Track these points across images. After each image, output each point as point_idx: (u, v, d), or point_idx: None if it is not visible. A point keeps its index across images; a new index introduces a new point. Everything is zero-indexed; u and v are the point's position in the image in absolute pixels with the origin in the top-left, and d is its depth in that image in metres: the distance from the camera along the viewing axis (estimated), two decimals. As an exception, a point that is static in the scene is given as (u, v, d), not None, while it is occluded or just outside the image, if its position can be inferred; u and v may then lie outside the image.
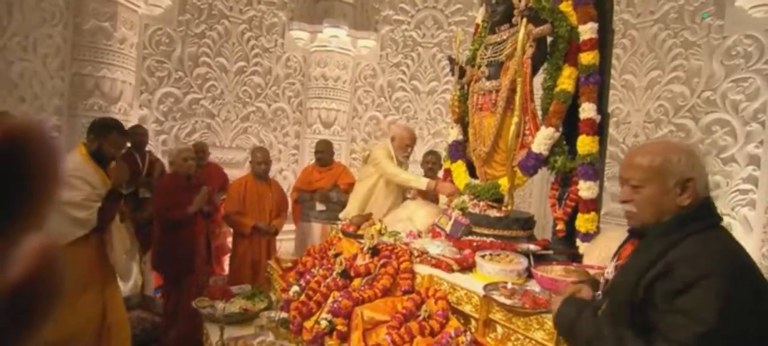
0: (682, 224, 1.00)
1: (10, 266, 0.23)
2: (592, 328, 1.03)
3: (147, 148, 3.98)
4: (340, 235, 2.53)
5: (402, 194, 3.23)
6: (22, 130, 0.23)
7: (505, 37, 2.26)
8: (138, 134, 3.84)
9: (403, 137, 3.18)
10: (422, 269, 1.93)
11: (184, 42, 4.68)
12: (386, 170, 2.97)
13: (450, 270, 1.86)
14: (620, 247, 1.18)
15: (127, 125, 4.12)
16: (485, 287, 1.63)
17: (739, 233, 3.13)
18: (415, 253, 2.03)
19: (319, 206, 3.84)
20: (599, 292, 1.18)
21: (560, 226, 2.16)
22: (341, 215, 3.12)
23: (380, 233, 2.32)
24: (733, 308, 0.87)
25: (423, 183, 2.82)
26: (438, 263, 1.91)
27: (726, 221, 3.17)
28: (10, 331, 0.24)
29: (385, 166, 2.97)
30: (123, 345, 2.45)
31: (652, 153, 1.06)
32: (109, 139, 2.28)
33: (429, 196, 3.33)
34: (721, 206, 3.21)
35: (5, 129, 0.22)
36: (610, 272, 1.13)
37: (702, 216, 1.01)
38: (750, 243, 3.05)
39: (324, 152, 3.98)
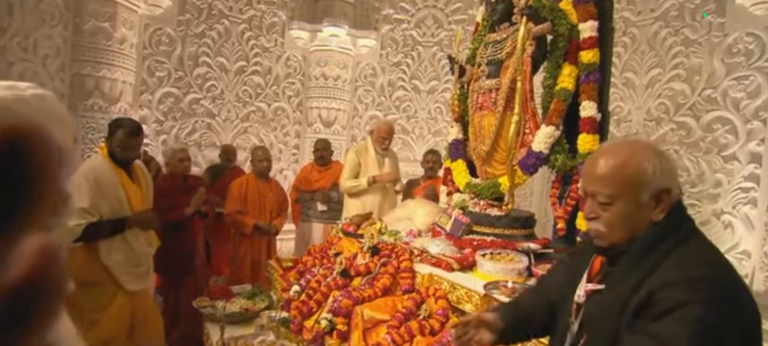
0: (659, 240, 0.86)
1: (9, 266, 0.22)
2: None
3: (142, 148, 3.99)
4: (340, 234, 2.53)
5: (392, 193, 3.41)
6: (22, 132, 0.22)
7: (505, 35, 2.25)
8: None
9: (380, 130, 3.40)
10: (422, 268, 1.92)
11: (184, 42, 4.68)
12: (341, 187, 3.41)
13: (450, 269, 1.86)
14: (586, 263, 1.01)
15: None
16: (486, 286, 1.63)
17: (740, 231, 3.12)
18: (416, 252, 2.03)
19: (321, 207, 3.84)
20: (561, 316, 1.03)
21: (561, 224, 2.15)
22: (344, 216, 3.17)
23: (380, 232, 2.32)
24: (708, 337, 0.77)
25: (363, 181, 3.26)
26: (438, 262, 1.91)
27: (727, 219, 3.17)
28: (11, 330, 0.23)
29: (341, 183, 3.41)
30: (155, 336, 2.44)
31: (622, 162, 0.88)
32: (115, 140, 2.25)
33: (429, 195, 3.35)
34: (722, 205, 3.20)
35: (4, 130, 0.22)
36: (581, 296, 0.96)
37: (677, 227, 0.88)
38: (751, 241, 3.05)
39: (325, 151, 3.98)
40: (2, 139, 0.23)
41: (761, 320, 0.85)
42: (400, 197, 3.57)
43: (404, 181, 3.74)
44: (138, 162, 2.47)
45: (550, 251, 1.98)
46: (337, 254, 2.24)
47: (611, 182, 0.89)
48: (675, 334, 0.77)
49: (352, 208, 3.28)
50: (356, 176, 3.37)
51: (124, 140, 2.26)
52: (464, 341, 1.06)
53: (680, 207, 0.90)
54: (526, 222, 2.20)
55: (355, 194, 3.35)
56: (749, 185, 3.10)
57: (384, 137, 3.38)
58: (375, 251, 2.08)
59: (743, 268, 3.08)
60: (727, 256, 0.93)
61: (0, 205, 0.23)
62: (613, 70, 3.45)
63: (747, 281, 2.99)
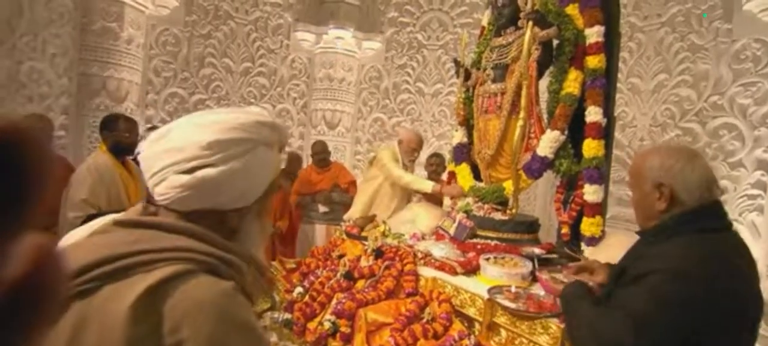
0: (662, 231, 1.04)
1: (8, 265, 0.23)
2: (574, 304, 1.14)
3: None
4: (344, 236, 2.54)
5: (407, 196, 3.24)
6: (13, 133, 0.23)
7: (511, 39, 2.25)
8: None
9: (411, 140, 3.20)
10: (426, 272, 1.92)
11: (190, 43, 4.71)
12: (392, 173, 2.99)
13: (454, 273, 1.85)
14: None
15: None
16: (489, 291, 1.63)
17: (746, 238, 3.08)
18: (419, 255, 2.03)
19: (322, 208, 3.84)
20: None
21: (565, 229, 2.15)
22: (346, 216, 3.12)
23: (384, 234, 2.31)
24: (664, 302, 0.93)
25: (428, 186, 2.85)
26: (442, 266, 1.91)
27: (733, 226, 3.14)
28: (12, 329, 0.24)
29: (391, 169, 2.99)
30: None
31: (639, 157, 1.13)
32: (119, 130, 2.34)
33: (433, 198, 3.33)
34: (728, 212, 3.17)
35: (2, 134, 0.23)
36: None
37: (680, 224, 1.01)
38: (758, 249, 3.02)
39: (324, 153, 3.98)
40: (2, 137, 0.23)
41: (736, 311, 0.96)
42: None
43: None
44: (129, 158, 2.53)
45: (555, 255, 1.97)
46: (340, 256, 2.24)
47: (630, 173, 1.14)
48: (632, 294, 0.97)
49: (359, 208, 3.15)
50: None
51: (129, 127, 2.36)
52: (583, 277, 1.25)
53: (698, 210, 1.02)
54: (530, 226, 2.19)
55: (408, 189, 3.03)
56: (756, 192, 3.07)
57: (414, 149, 3.22)
58: (379, 253, 2.07)
59: (749, 276, 3.05)
60: None
61: (2, 201, 0.24)
62: (619, 75, 3.44)
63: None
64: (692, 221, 1.01)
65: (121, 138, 2.33)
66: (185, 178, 0.65)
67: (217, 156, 0.66)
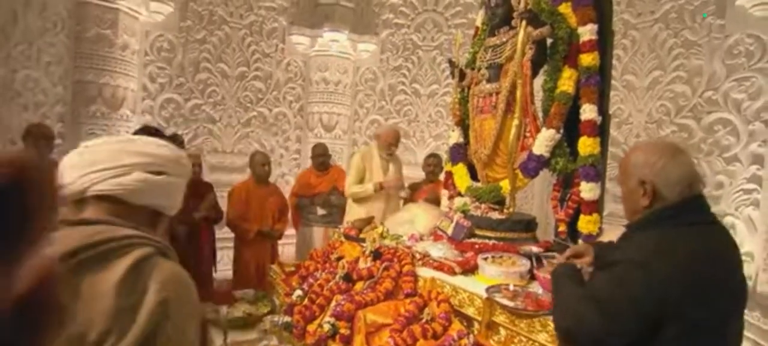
0: (643, 224, 1.11)
1: (16, 284, 0.26)
2: (557, 282, 1.24)
3: None
4: (342, 238, 2.54)
5: (396, 197, 3.40)
6: (17, 173, 0.25)
7: (504, 39, 2.26)
8: (176, 142, 3.97)
9: (387, 135, 3.39)
10: (424, 272, 1.92)
11: (185, 48, 4.70)
12: (347, 193, 3.40)
13: (452, 273, 1.86)
14: None
15: (129, 133, 4.17)
16: (488, 290, 1.63)
17: (743, 233, 3.11)
18: (418, 256, 2.03)
19: (321, 210, 3.84)
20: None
21: (562, 227, 2.16)
22: (346, 221, 3.16)
23: (382, 236, 2.32)
24: (621, 285, 1.02)
25: (370, 187, 3.27)
26: (440, 266, 1.91)
27: (730, 221, 3.16)
28: (22, 338, 0.26)
29: (347, 190, 3.41)
30: None
31: (625, 156, 1.21)
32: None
33: (431, 199, 3.35)
34: (724, 206, 3.19)
35: (5, 167, 0.25)
36: None
37: (662, 219, 1.08)
38: (754, 243, 3.03)
39: (324, 156, 3.98)
40: (9, 176, 0.27)
41: (705, 297, 1.01)
42: (402, 202, 3.56)
43: (407, 185, 3.74)
44: None
45: (552, 254, 1.97)
46: (339, 259, 2.24)
47: (618, 169, 1.22)
48: (599, 279, 1.10)
49: (354, 213, 3.27)
50: (362, 181, 3.36)
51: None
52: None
53: (678, 205, 1.08)
54: (527, 225, 2.20)
55: (361, 199, 3.33)
56: (751, 186, 3.09)
57: (390, 143, 3.37)
58: (377, 255, 2.08)
59: (746, 270, 3.06)
60: None
61: (6, 234, 0.28)
62: (613, 72, 3.45)
63: (750, 282, 2.98)
64: (672, 216, 1.07)
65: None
66: (152, 177, 0.87)
67: (178, 170, 0.93)
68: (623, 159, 1.20)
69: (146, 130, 2.75)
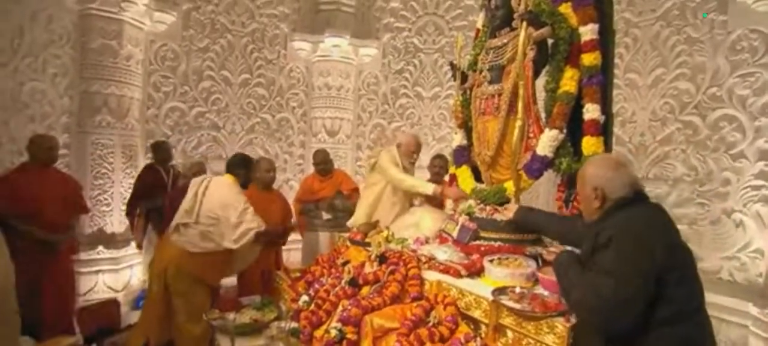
0: (605, 215, 1.41)
1: None
2: (565, 269, 1.45)
3: (171, 163, 4.11)
4: (348, 243, 2.54)
5: (408, 200, 3.24)
6: None
7: (505, 40, 2.26)
8: (162, 149, 4.03)
9: (409, 144, 3.21)
10: (430, 276, 1.92)
11: (188, 57, 4.74)
12: (393, 177, 2.99)
13: (458, 276, 1.86)
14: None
15: (134, 141, 4.21)
16: (494, 292, 1.63)
17: (752, 229, 3.08)
18: (423, 259, 2.03)
19: (326, 215, 3.85)
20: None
21: (568, 228, 2.14)
22: (349, 223, 3.13)
23: (388, 240, 2.32)
24: (624, 253, 1.27)
25: (429, 188, 2.83)
26: (446, 269, 1.91)
27: (738, 217, 3.14)
28: None
29: (392, 174, 2.99)
30: None
31: (582, 167, 1.53)
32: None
33: (435, 201, 3.33)
34: (732, 203, 3.17)
35: None
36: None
37: (615, 209, 1.39)
38: (763, 240, 3.00)
39: (325, 163, 3.99)
40: None
41: (678, 252, 1.32)
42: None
43: None
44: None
45: (554, 250, 1.96)
46: (345, 263, 2.25)
47: (577, 178, 1.55)
48: (603, 256, 1.30)
49: (362, 212, 3.15)
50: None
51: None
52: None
53: (620, 198, 1.39)
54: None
55: (410, 192, 3.03)
56: (759, 182, 3.07)
57: (413, 151, 3.22)
58: (383, 259, 2.08)
59: (756, 267, 3.03)
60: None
61: None
62: (616, 71, 3.44)
63: (760, 280, 2.94)
64: (628, 203, 1.38)
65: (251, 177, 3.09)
66: None
67: None
68: (579, 171, 1.53)
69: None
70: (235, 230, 2.66)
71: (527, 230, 2.05)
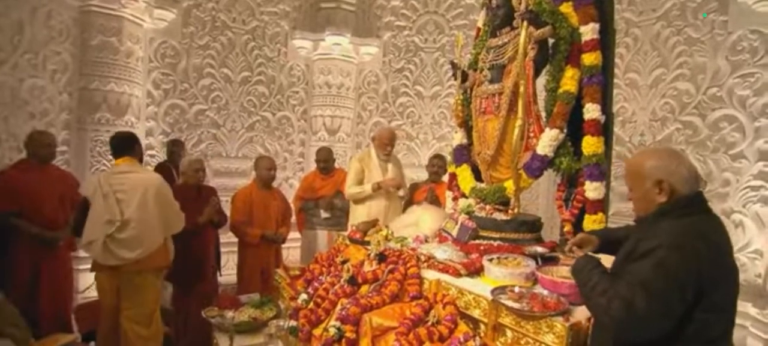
0: (658, 216, 1.27)
1: None
2: (587, 274, 1.33)
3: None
4: (347, 242, 2.54)
5: (397, 199, 3.43)
6: None
7: (506, 40, 2.26)
8: (177, 149, 4.12)
9: (382, 137, 3.45)
10: (430, 274, 1.92)
11: (188, 54, 4.74)
12: (347, 194, 3.44)
13: (458, 275, 1.85)
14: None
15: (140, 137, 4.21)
16: (493, 291, 1.63)
17: (751, 230, 3.08)
18: (422, 258, 2.03)
19: (325, 214, 3.85)
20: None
21: (568, 227, 2.15)
22: (351, 224, 3.17)
23: (387, 238, 2.32)
24: (666, 268, 1.14)
25: (368, 188, 3.31)
26: (445, 268, 1.91)
27: (737, 218, 3.14)
28: None
29: (346, 192, 3.44)
30: None
31: (634, 162, 1.38)
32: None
33: (429, 198, 3.36)
34: (731, 203, 3.17)
35: None
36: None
37: (676, 209, 1.25)
38: (763, 240, 3.01)
39: (328, 161, 3.99)
40: None
41: (721, 277, 1.19)
42: (402, 202, 3.57)
43: (408, 185, 3.75)
44: None
45: (558, 254, 1.97)
46: (344, 262, 2.25)
47: (628, 176, 1.38)
48: (641, 266, 1.18)
49: (358, 215, 3.29)
50: (360, 183, 3.39)
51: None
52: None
53: (689, 197, 1.26)
54: (532, 226, 2.19)
55: (361, 200, 3.36)
56: (758, 183, 3.07)
57: (386, 143, 3.41)
58: (382, 257, 2.08)
59: (755, 267, 3.03)
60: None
61: None
62: (616, 71, 3.44)
63: (759, 281, 2.95)
64: (687, 206, 1.25)
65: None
66: None
67: None
68: (631, 167, 1.36)
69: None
70: None
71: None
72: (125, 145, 2.63)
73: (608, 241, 1.58)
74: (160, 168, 4.00)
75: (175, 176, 3.91)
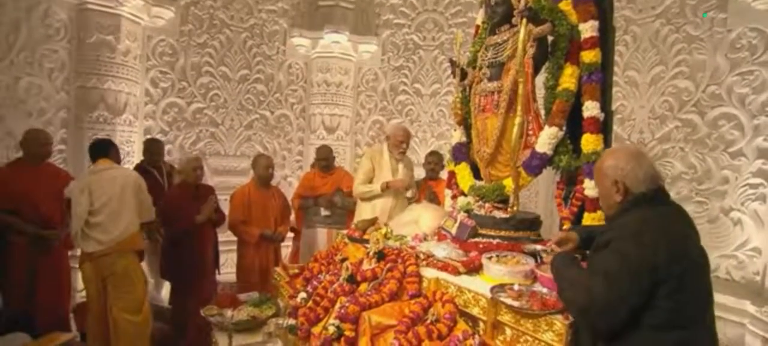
0: (621, 212, 1.36)
1: None
2: (560, 271, 1.42)
3: (165, 159, 4.03)
4: (346, 240, 2.53)
5: (403, 197, 3.37)
6: None
7: (505, 37, 2.25)
8: (151, 149, 3.87)
9: (396, 135, 3.38)
10: (429, 273, 1.92)
11: (186, 52, 4.72)
12: (355, 192, 3.41)
13: (457, 273, 1.85)
14: None
15: (132, 137, 4.19)
16: (492, 289, 1.62)
17: (749, 228, 3.08)
18: (422, 256, 2.03)
19: (324, 212, 3.84)
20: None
21: (567, 225, 2.14)
22: (354, 224, 3.16)
23: (386, 237, 2.31)
24: (621, 255, 1.22)
25: (377, 188, 3.29)
26: (444, 266, 1.90)
27: (736, 216, 3.14)
28: None
29: (354, 190, 3.42)
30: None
31: (598, 162, 1.46)
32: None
33: (428, 197, 3.36)
34: (730, 201, 3.17)
35: None
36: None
37: (633, 206, 1.33)
38: (761, 238, 3.01)
39: (328, 159, 3.99)
40: None
41: (685, 264, 1.23)
42: (409, 202, 3.55)
43: (416, 186, 3.73)
44: None
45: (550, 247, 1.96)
46: (343, 260, 2.24)
47: (594, 174, 1.52)
48: (601, 256, 1.28)
49: (364, 212, 3.26)
50: (370, 181, 3.34)
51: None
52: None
53: (643, 193, 1.33)
54: (531, 224, 2.18)
55: (368, 198, 3.32)
56: (757, 180, 3.07)
57: (401, 141, 3.37)
58: (381, 256, 2.07)
59: (754, 265, 3.04)
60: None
61: None
62: (615, 69, 3.43)
63: (758, 278, 2.95)
64: (645, 201, 1.32)
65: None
66: None
67: None
68: (597, 165, 1.45)
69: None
70: None
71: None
72: (101, 149, 2.87)
73: (589, 237, 1.61)
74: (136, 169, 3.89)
75: (159, 179, 3.75)
